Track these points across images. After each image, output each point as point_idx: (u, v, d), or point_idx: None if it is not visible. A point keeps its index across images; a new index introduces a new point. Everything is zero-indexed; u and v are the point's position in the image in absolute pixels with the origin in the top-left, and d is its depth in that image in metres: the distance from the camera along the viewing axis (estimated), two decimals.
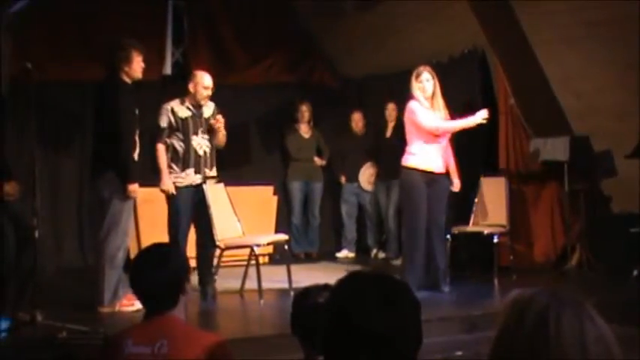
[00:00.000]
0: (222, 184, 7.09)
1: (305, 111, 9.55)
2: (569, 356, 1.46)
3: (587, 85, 7.27)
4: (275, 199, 9.29)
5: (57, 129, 8.49)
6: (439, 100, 6.63)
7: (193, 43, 9.27)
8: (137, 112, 6.13)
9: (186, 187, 6.57)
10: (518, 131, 8.08)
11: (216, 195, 6.93)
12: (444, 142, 6.70)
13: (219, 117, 6.68)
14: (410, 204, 6.65)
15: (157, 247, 2.99)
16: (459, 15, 7.71)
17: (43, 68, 7.14)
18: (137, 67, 6.09)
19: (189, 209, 6.58)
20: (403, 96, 9.00)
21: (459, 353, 4.93)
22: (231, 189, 7.21)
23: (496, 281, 7.07)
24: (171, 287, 2.72)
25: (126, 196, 5.95)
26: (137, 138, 6.11)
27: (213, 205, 6.74)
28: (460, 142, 8.57)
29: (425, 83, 6.57)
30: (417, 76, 6.61)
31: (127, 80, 6.07)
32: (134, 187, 5.96)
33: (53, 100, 8.08)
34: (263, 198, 9.06)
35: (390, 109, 9.09)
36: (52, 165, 8.50)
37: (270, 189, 9.27)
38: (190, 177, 6.58)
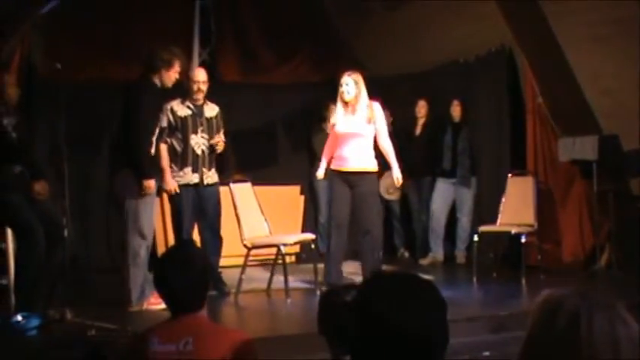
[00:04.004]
0: (249, 184, 7.13)
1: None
2: (601, 357, 1.46)
3: (616, 83, 7.19)
4: (302, 198, 9.30)
5: (86, 129, 8.56)
6: (361, 104, 6.68)
7: (220, 43, 9.30)
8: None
9: (185, 185, 6.61)
10: (546, 130, 8.01)
11: (244, 195, 6.96)
12: (364, 141, 6.70)
13: (220, 139, 6.72)
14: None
15: (181, 247, 2.98)
16: (486, 14, 7.67)
17: (72, 69, 7.21)
18: (173, 75, 6.15)
19: (190, 208, 6.61)
20: (431, 94, 9.03)
21: (486, 354, 4.90)
22: (259, 189, 7.25)
23: (524, 281, 7.03)
24: (197, 289, 2.72)
25: (142, 193, 5.98)
26: (154, 139, 6.18)
27: (240, 204, 6.78)
28: (488, 142, 8.56)
29: (344, 87, 6.67)
30: (339, 80, 6.76)
31: (157, 83, 6.12)
32: (149, 184, 5.99)
33: (83, 100, 8.14)
34: (290, 197, 9.08)
35: (420, 106, 9.04)
36: (81, 164, 8.55)
37: (297, 188, 9.29)
38: (188, 176, 6.62)
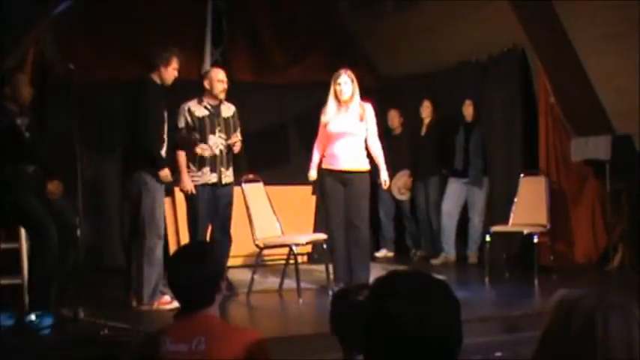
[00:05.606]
0: (261, 184, 7.13)
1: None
2: (616, 358, 1.46)
3: (630, 82, 7.16)
4: (314, 198, 9.29)
5: (99, 129, 8.60)
6: (354, 102, 6.66)
7: (232, 43, 9.31)
8: (166, 114, 6.24)
9: (203, 185, 6.62)
10: (559, 130, 7.99)
11: (256, 194, 6.97)
12: (356, 140, 6.68)
13: (237, 139, 6.72)
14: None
15: (194, 244, 2.99)
16: (498, 13, 7.65)
17: (86, 69, 7.25)
18: (172, 71, 6.22)
19: (207, 208, 6.61)
20: (442, 95, 9.02)
21: (499, 354, 4.89)
22: (270, 188, 7.25)
23: (536, 281, 7.00)
24: (207, 284, 2.73)
25: (155, 191, 6.02)
26: (165, 136, 6.21)
27: (252, 204, 6.79)
28: (500, 142, 8.54)
29: (342, 86, 6.61)
30: (336, 78, 6.66)
31: (157, 81, 6.18)
32: (165, 173, 6.09)
33: (96, 100, 8.17)
34: (302, 197, 9.07)
35: (425, 106, 9.04)
36: (95, 164, 8.60)
37: (308, 188, 9.26)
38: (206, 176, 6.62)
